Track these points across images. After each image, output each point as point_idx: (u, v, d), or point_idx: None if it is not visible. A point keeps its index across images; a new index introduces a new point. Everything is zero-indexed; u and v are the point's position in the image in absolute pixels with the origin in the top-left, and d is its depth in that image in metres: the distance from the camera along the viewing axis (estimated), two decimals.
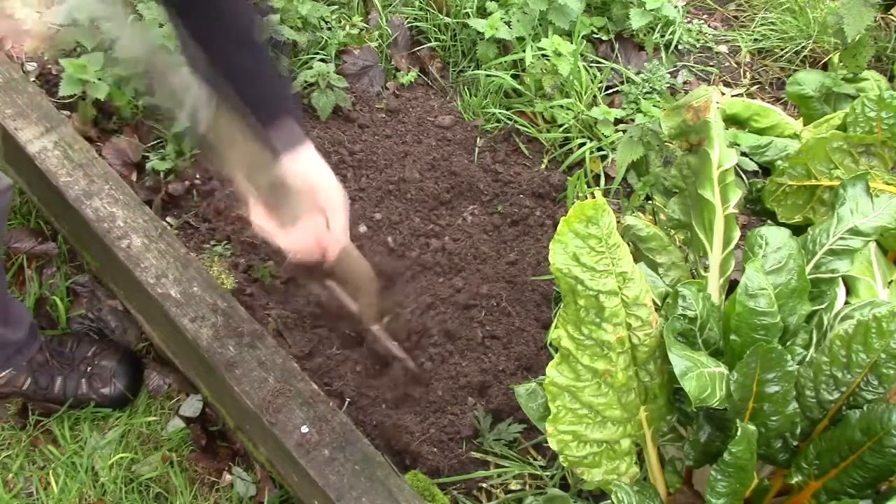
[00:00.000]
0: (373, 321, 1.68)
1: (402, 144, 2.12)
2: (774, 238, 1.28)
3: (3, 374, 1.66)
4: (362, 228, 1.94)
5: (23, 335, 1.64)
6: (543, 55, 2.19)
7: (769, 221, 1.66)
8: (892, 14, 2.52)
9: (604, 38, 2.40)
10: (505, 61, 2.25)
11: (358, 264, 1.49)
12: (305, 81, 2.08)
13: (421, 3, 2.37)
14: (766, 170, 2.03)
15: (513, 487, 1.63)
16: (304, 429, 1.47)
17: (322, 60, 2.17)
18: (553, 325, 1.24)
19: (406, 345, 1.73)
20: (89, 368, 1.71)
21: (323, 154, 2.02)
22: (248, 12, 1.27)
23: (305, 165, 1.24)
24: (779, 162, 1.79)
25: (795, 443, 1.22)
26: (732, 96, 2.37)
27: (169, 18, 1.25)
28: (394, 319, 1.74)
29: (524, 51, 2.21)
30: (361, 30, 2.30)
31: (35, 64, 2.18)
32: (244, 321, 1.60)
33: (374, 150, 2.09)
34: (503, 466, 1.64)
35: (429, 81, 2.30)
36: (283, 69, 1.29)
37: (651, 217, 1.83)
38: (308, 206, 1.24)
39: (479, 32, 2.24)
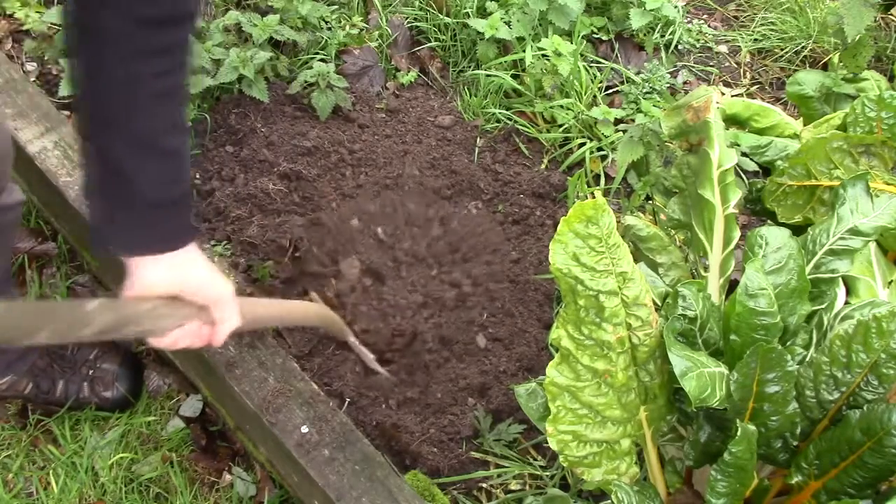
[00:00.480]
0: (344, 336, 1.68)
1: (401, 144, 2.12)
2: (774, 238, 1.28)
3: (5, 379, 1.66)
4: (354, 222, 1.94)
5: None
6: (543, 55, 2.19)
7: (769, 221, 1.66)
8: (892, 14, 2.52)
9: (604, 38, 2.40)
10: (505, 61, 2.25)
11: (282, 312, 1.42)
12: (305, 81, 2.08)
13: (421, 3, 2.37)
14: (766, 170, 2.03)
15: (513, 487, 1.63)
16: (304, 429, 1.47)
17: (322, 60, 2.17)
18: (554, 325, 1.24)
19: (390, 352, 1.74)
20: (91, 371, 1.71)
21: (322, 154, 2.05)
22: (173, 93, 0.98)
23: (170, 274, 1.03)
24: (779, 162, 1.79)
25: (795, 443, 1.22)
26: (732, 96, 2.37)
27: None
28: (373, 330, 1.74)
29: (524, 51, 2.20)
30: (361, 30, 2.30)
31: (35, 64, 2.18)
32: None
33: (373, 149, 2.09)
34: (503, 466, 1.64)
35: (429, 81, 2.30)
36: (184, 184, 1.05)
37: (651, 217, 1.83)
38: (166, 322, 1.05)
39: (479, 32, 2.24)
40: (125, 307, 1.01)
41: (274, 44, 2.18)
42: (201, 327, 1.10)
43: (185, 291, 1.06)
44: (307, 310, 1.55)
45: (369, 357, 1.72)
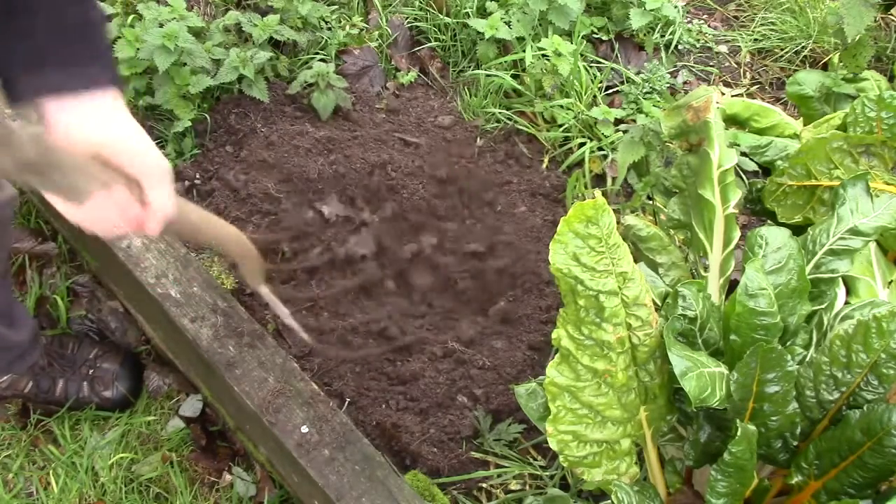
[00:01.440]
0: (258, 283, 1.47)
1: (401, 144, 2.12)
2: (774, 238, 1.28)
3: (5, 378, 1.66)
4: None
5: (26, 338, 1.64)
6: (543, 55, 2.19)
7: (769, 221, 1.66)
8: (892, 14, 2.52)
9: (604, 38, 2.40)
10: (505, 61, 2.25)
11: (212, 227, 1.25)
12: (305, 81, 2.08)
13: (421, 3, 2.37)
14: (766, 170, 2.03)
15: (513, 487, 1.63)
16: (304, 429, 1.47)
17: (322, 60, 2.17)
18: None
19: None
20: (91, 371, 1.71)
21: (321, 152, 2.05)
22: None
23: (89, 128, 0.90)
24: (779, 162, 1.79)
25: (795, 443, 1.22)
26: (732, 96, 2.37)
27: None
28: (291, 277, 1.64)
29: (524, 51, 2.21)
30: (361, 30, 2.30)
31: None
32: (244, 321, 1.60)
33: (373, 149, 2.09)
34: (503, 466, 1.64)
35: (429, 81, 2.30)
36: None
37: (651, 217, 1.83)
38: (92, 180, 0.91)
39: (479, 32, 2.24)
40: (50, 146, 0.87)
41: (274, 44, 2.18)
42: (131, 201, 0.95)
43: (110, 149, 0.91)
44: (236, 237, 1.33)
45: (284, 311, 1.57)
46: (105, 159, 0.91)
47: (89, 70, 0.90)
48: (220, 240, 1.27)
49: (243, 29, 2.10)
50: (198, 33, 2.06)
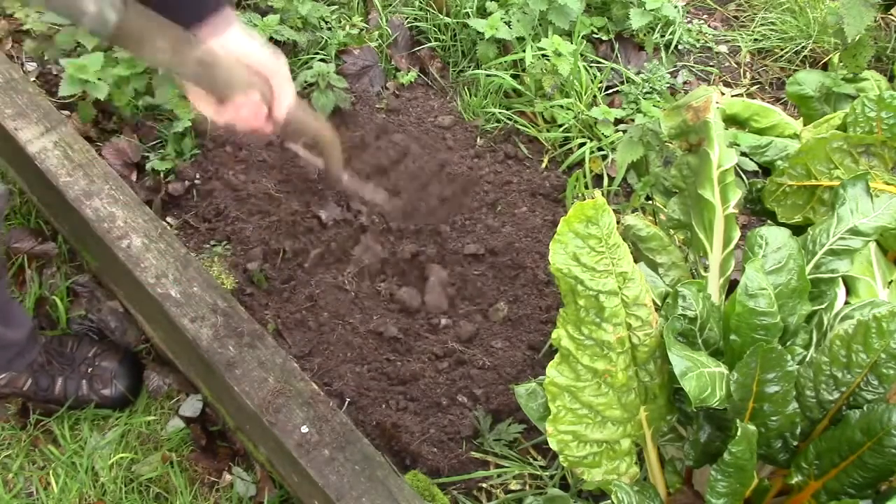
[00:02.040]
0: (341, 174, 1.65)
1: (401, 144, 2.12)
2: (774, 238, 1.28)
3: (3, 375, 1.66)
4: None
5: (23, 336, 1.64)
6: (543, 55, 2.19)
7: (769, 221, 1.66)
8: (892, 14, 2.52)
9: (604, 38, 2.40)
10: (505, 61, 2.25)
11: (309, 124, 1.45)
12: (305, 81, 2.08)
13: (421, 3, 2.37)
14: (766, 170, 2.03)
15: (513, 487, 1.63)
16: (304, 429, 1.47)
17: (322, 60, 2.17)
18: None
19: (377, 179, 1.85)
20: (90, 369, 1.71)
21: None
22: None
23: (233, 44, 1.17)
24: (779, 162, 1.79)
25: (795, 443, 1.22)
26: (732, 96, 2.37)
27: None
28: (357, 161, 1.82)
29: (524, 51, 2.20)
30: (361, 30, 2.30)
31: (35, 64, 2.18)
32: (244, 321, 1.60)
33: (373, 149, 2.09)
34: (503, 466, 1.64)
35: (429, 81, 2.30)
36: None
37: (651, 217, 1.83)
38: (242, 80, 1.17)
39: (479, 32, 2.24)
40: (214, 49, 1.12)
41: (273, 44, 2.18)
42: (261, 103, 1.20)
43: (250, 57, 1.17)
44: (330, 128, 1.54)
45: (367, 188, 1.80)
46: (245, 66, 1.17)
47: (228, 18, 1.18)
48: (319, 131, 1.46)
49: None
50: None
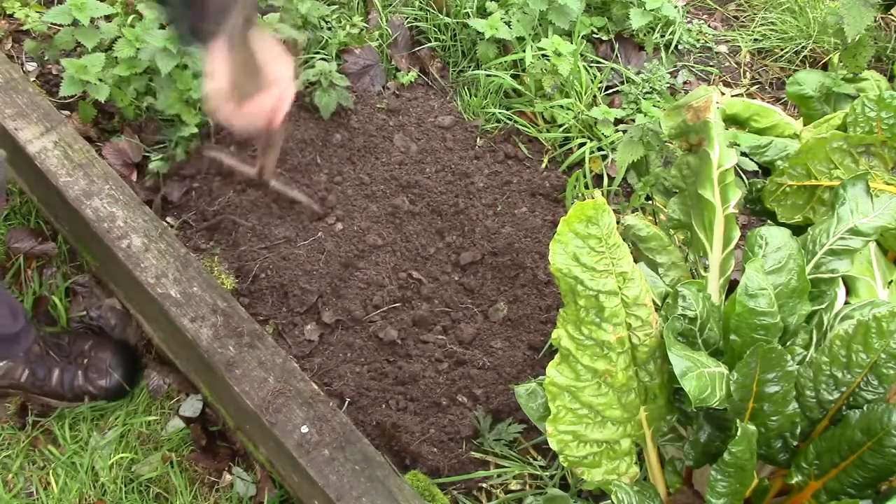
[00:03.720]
0: (272, 177, 1.84)
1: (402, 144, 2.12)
2: (774, 238, 1.28)
3: (1, 364, 1.66)
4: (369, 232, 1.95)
5: (10, 322, 1.63)
6: (543, 55, 2.19)
7: (769, 221, 1.66)
8: (892, 14, 2.52)
9: (604, 38, 2.40)
10: (505, 61, 2.25)
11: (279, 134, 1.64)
12: (307, 80, 2.08)
13: (421, 3, 2.37)
14: (766, 170, 2.03)
15: (513, 487, 1.63)
16: (304, 429, 1.47)
17: (323, 59, 2.16)
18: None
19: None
20: (86, 360, 1.71)
21: (322, 154, 2.05)
22: None
23: (262, 41, 1.28)
24: (779, 162, 1.79)
25: (795, 443, 1.22)
26: (732, 96, 2.37)
27: None
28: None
29: (524, 51, 2.20)
30: (361, 30, 2.30)
31: (35, 64, 2.18)
32: (244, 321, 1.60)
33: (374, 149, 2.09)
34: (503, 466, 1.64)
35: (429, 81, 2.30)
36: None
37: (651, 217, 1.83)
38: (267, 76, 1.29)
39: (479, 32, 2.24)
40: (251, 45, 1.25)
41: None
42: (281, 103, 1.32)
43: (267, 55, 1.28)
44: (281, 135, 1.72)
45: (295, 192, 1.90)
46: (268, 66, 1.28)
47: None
48: (277, 135, 1.61)
49: None
50: None
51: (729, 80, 2.47)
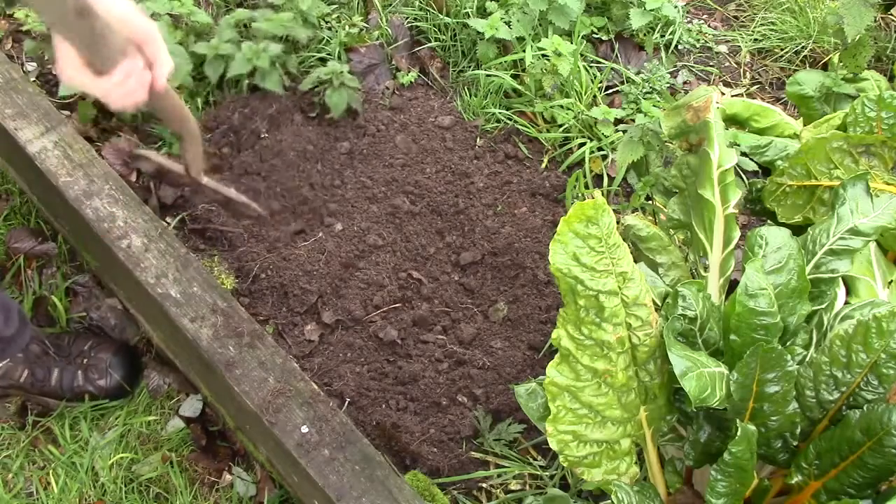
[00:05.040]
0: (200, 174, 1.58)
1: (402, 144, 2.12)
2: (774, 238, 1.28)
3: (1, 364, 1.66)
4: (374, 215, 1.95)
5: (5, 322, 1.63)
6: (543, 55, 2.19)
7: (769, 221, 1.66)
8: (892, 14, 2.52)
9: (604, 38, 2.40)
10: (505, 61, 2.25)
11: (178, 104, 1.37)
12: (318, 79, 2.08)
13: (421, 3, 2.37)
14: (766, 170, 2.03)
15: (513, 487, 1.63)
16: (304, 429, 1.47)
17: (322, 59, 2.17)
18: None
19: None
20: (86, 361, 1.71)
21: (322, 154, 2.05)
22: None
23: (108, 2, 1.08)
24: (779, 162, 1.79)
25: (795, 443, 1.22)
26: (732, 96, 2.37)
27: None
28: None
29: (524, 51, 2.20)
30: (361, 29, 2.30)
31: (35, 64, 2.18)
32: (244, 321, 1.60)
33: (378, 149, 2.09)
34: (503, 466, 1.64)
35: (429, 81, 2.30)
36: None
37: (651, 217, 1.83)
38: (122, 43, 1.08)
39: (479, 32, 2.24)
40: (94, 9, 1.02)
41: (277, 41, 2.18)
42: (143, 69, 1.12)
43: (126, 23, 1.09)
44: (192, 117, 1.46)
45: (230, 191, 1.69)
46: (125, 28, 1.09)
47: None
48: (187, 118, 1.39)
49: (252, 26, 2.10)
50: (207, 31, 2.06)
51: (729, 80, 2.47)
